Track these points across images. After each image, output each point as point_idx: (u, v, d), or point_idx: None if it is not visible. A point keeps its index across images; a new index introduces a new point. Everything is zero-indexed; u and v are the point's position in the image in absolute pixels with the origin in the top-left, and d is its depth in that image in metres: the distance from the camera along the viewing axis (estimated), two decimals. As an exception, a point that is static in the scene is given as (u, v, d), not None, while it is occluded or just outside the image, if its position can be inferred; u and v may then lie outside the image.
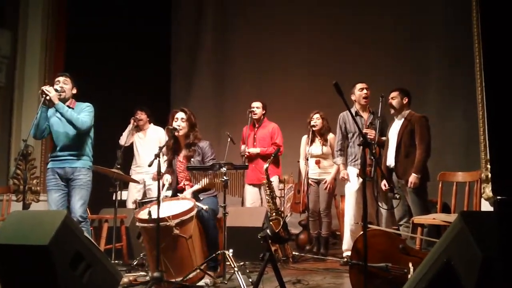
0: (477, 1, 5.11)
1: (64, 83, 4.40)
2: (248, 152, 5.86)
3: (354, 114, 5.16)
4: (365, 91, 5.22)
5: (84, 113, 4.34)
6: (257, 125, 6.02)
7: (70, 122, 4.25)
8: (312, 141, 5.78)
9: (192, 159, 4.42)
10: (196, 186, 4.36)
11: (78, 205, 4.21)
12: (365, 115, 5.24)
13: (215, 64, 9.20)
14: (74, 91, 4.48)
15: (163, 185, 4.46)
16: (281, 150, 5.80)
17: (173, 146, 4.56)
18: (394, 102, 4.85)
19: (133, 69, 7.59)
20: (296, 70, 8.31)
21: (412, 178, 4.56)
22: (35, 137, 4.46)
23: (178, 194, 4.48)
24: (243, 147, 5.96)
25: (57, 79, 4.46)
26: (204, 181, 4.26)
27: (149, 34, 8.17)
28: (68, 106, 4.37)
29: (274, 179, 5.78)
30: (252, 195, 5.89)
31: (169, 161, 4.58)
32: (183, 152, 4.50)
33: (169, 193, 4.48)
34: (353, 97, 5.27)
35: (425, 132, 4.69)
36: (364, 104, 5.23)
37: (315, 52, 8.18)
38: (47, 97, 4.20)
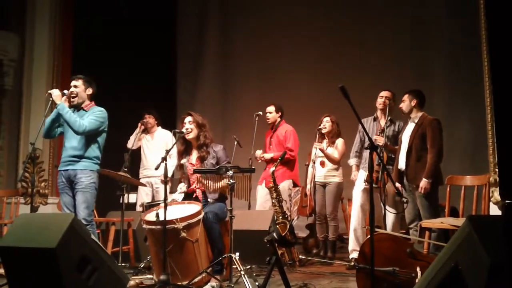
0: (484, 5, 5.10)
1: (74, 87, 4.36)
2: (263, 157, 5.84)
3: (373, 119, 5.33)
4: (383, 99, 5.25)
5: (90, 117, 4.27)
6: (273, 129, 6.00)
7: (68, 123, 4.20)
8: (320, 143, 5.79)
9: (205, 162, 4.43)
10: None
11: (81, 208, 4.15)
12: (382, 121, 5.26)
13: (220, 69, 9.23)
14: (90, 91, 4.42)
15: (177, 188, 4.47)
16: (293, 155, 5.74)
17: (185, 150, 4.59)
18: (404, 106, 4.81)
19: (139, 74, 7.62)
20: (301, 75, 8.31)
21: (423, 183, 4.51)
22: (45, 136, 4.46)
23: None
24: (258, 152, 5.91)
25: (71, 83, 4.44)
26: (216, 186, 4.27)
27: (155, 39, 8.21)
28: (82, 109, 4.37)
29: (287, 183, 5.73)
30: (263, 196, 5.88)
31: (180, 165, 4.60)
32: (196, 154, 4.52)
33: (181, 196, 4.48)
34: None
35: (437, 135, 4.61)
36: (381, 109, 5.27)
37: (320, 56, 8.19)
38: (50, 98, 4.21)
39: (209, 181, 4.29)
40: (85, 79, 4.42)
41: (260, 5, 8.87)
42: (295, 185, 5.90)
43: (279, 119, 5.97)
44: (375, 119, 5.33)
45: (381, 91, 5.33)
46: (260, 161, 5.87)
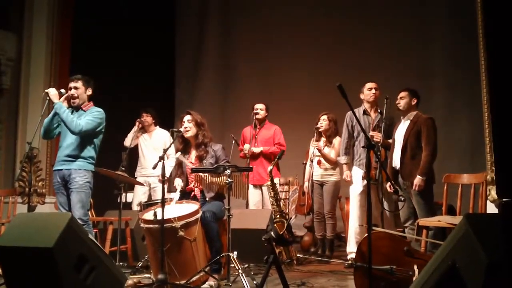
0: (481, 5, 5.10)
1: (74, 88, 4.34)
2: (252, 151, 5.88)
3: (362, 113, 5.24)
4: (373, 91, 5.23)
5: (88, 117, 4.26)
6: (259, 127, 6.05)
7: (64, 123, 4.19)
8: (318, 141, 5.78)
9: (204, 160, 4.43)
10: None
11: (76, 208, 4.12)
12: (373, 114, 5.24)
13: (219, 68, 9.24)
14: (89, 92, 4.40)
15: (175, 189, 4.47)
16: (284, 150, 5.81)
17: (183, 148, 4.59)
18: (402, 102, 4.78)
19: (139, 74, 7.62)
20: (300, 73, 8.32)
21: (417, 180, 4.52)
22: (44, 136, 4.46)
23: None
24: (246, 146, 5.97)
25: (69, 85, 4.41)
26: (213, 180, 4.27)
27: (155, 39, 8.22)
28: (81, 109, 4.35)
29: (276, 181, 5.79)
30: (254, 195, 5.91)
31: (179, 164, 4.61)
32: (194, 153, 4.52)
33: (178, 195, 4.48)
34: (361, 96, 5.29)
35: (432, 133, 4.63)
36: (372, 103, 5.23)
37: (319, 55, 8.19)
38: (48, 97, 4.21)
39: (207, 178, 4.30)
40: (85, 80, 4.40)
41: (260, 5, 8.87)
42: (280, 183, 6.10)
43: (265, 118, 6.09)
44: (364, 112, 5.26)
45: (366, 83, 5.27)
46: (248, 155, 5.91)
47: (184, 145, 4.61)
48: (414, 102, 4.79)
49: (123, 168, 5.44)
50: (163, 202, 3.82)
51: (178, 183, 4.51)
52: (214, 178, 4.28)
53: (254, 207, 5.88)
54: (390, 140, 4.99)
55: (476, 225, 2.32)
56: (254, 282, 3.93)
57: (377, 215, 4.74)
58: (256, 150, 5.93)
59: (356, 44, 7.94)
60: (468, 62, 6.21)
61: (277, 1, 8.72)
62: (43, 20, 6.72)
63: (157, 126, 6.52)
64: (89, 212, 4.77)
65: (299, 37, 8.42)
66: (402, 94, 4.82)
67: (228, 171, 4.02)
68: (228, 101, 9.11)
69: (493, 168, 4.89)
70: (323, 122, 5.78)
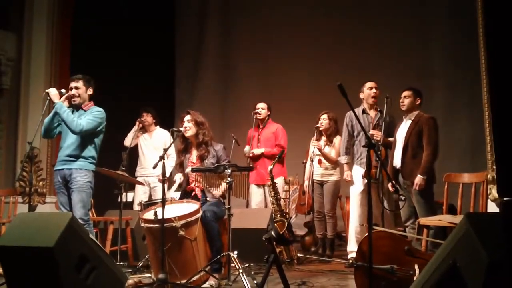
0: (481, 5, 5.10)
1: (75, 88, 4.34)
2: (252, 153, 5.88)
3: (361, 112, 5.22)
4: (374, 90, 5.21)
5: (88, 117, 4.26)
6: (261, 126, 6.05)
7: (65, 123, 4.20)
8: (318, 140, 5.78)
9: (205, 160, 4.44)
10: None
11: (77, 208, 4.13)
12: (372, 113, 5.23)
13: (220, 68, 9.26)
14: (90, 91, 4.41)
15: (174, 182, 4.47)
16: (285, 152, 5.80)
17: (184, 148, 4.60)
18: (406, 102, 4.77)
19: (139, 74, 7.62)
20: (300, 73, 8.33)
21: (418, 179, 4.53)
22: (44, 135, 4.47)
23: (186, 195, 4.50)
24: (247, 148, 5.98)
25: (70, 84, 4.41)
26: (221, 188, 4.27)
27: (155, 39, 8.23)
28: (82, 109, 4.36)
29: (280, 180, 5.81)
30: (256, 195, 5.90)
31: (180, 163, 4.61)
32: (195, 152, 4.53)
33: (177, 194, 4.48)
34: (361, 95, 5.27)
35: (433, 133, 4.63)
36: (372, 103, 5.22)
37: (319, 55, 8.21)
38: (48, 97, 4.21)
39: (211, 187, 4.31)
40: (85, 79, 4.40)
41: (260, 5, 8.89)
42: (285, 182, 6.04)
43: (267, 117, 6.05)
44: (364, 111, 5.23)
45: (366, 82, 5.25)
46: (249, 156, 5.90)
47: (185, 145, 4.62)
48: (418, 102, 4.80)
49: (124, 168, 5.43)
50: (164, 201, 3.82)
51: (179, 177, 4.53)
52: (217, 190, 4.29)
53: (256, 206, 5.87)
54: (391, 139, 4.99)
55: (477, 224, 2.32)
56: (255, 282, 3.93)
57: (377, 214, 4.74)
58: (257, 151, 5.92)
59: (356, 44, 7.95)
60: (468, 62, 6.22)
61: (277, 1, 8.73)
62: (43, 20, 6.72)
63: (158, 126, 6.52)
64: (90, 212, 4.77)
65: (299, 37, 8.43)
66: (406, 93, 4.80)
67: (228, 171, 4.02)
68: (228, 101, 9.12)
69: (494, 167, 4.89)
70: (323, 121, 5.77)
